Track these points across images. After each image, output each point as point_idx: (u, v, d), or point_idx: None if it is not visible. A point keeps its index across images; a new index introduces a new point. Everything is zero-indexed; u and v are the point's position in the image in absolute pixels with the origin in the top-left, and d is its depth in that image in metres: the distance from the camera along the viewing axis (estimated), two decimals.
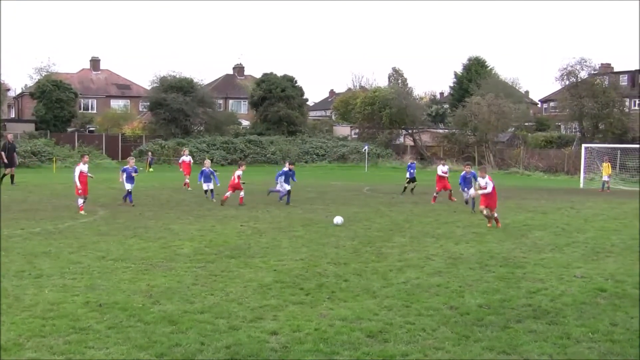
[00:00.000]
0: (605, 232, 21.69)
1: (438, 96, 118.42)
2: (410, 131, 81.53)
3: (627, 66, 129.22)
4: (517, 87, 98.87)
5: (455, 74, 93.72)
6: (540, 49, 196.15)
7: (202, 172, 31.16)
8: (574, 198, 35.68)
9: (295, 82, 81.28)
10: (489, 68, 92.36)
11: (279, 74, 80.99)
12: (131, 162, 29.24)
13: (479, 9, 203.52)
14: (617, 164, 54.09)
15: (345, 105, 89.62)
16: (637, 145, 56.06)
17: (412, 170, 36.06)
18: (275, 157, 71.36)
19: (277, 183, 29.97)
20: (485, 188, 22.78)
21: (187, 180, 37.23)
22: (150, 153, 64.15)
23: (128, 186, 28.26)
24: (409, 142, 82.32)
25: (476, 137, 73.81)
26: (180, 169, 40.20)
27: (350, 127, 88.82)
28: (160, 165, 64.35)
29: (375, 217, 24.58)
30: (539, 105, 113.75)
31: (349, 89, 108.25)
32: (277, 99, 77.41)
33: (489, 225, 22.33)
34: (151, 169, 58.93)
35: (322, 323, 10.20)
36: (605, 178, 43.54)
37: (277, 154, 72.01)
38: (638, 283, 13.42)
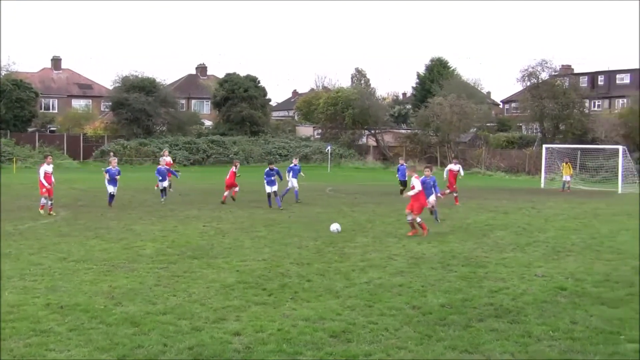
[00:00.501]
0: (566, 231, 21.93)
1: (401, 97, 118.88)
2: (372, 131, 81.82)
3: (587, 68, 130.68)
4: (479, 88, 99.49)
5: (418, 75, 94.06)
6: (502, 50, 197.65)
7: (158, 170, 30.81)
8: (535, 198, 36.02)
9: (258, 82, 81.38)
10: (451, 69, 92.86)
11: (242, 74, 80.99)
12: (113, 162, 28.54)
13: (442, 10, 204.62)
14: (577, 165, 54.74)
15: (308, 106, 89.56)
16: (597, 146, 56.81)
17: (399, 173, 35.53)
18: (237, 157, 71.08)
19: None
20: (413, 188, 20.90)
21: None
22: (112, 153, 63.76)
23: (111, 189, 27.53)
24: (372, 142, 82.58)
25: (438, 137, 74.27)
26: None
27: (313, 127, 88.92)
28: (122, 166, 63.72)
29: (338, 218, 24.60)
30: (501, 106, 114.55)
31: (312, 89, 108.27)
32: (239, 99, 77.44)
33: (410, 233, 20.32)
34: None
35: (285, 323, 10.19)
36: (566, 178, 44.05)
37: (239, 154, 71.89)
38: (598, 282, 13.60)
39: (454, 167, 32.23)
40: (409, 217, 20.78)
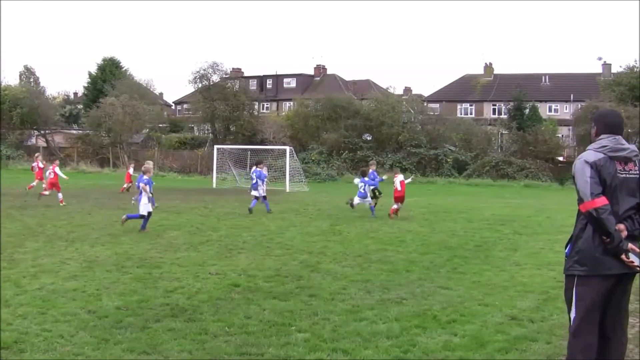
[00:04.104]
0: (237, 229, 22.62)
1: (72, 96, 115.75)
2: (42, 132, 78.94)
3: (256, 71, 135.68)
4: (151, 89, 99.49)
5: (90, 74, 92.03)
6: (174, 51, 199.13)
7: None
8: (207, 197, 36.72)
9: None
10: (124, 69, 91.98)
11: None
12: (149, 167, 22.86)
13: (114, 9, 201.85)
14: (248, 164, 56.51)
15: None
16: (266, 147, 59.13)
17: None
18: None
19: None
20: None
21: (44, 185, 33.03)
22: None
23: (149, 207, 22.19)
24: (42, 143, 79.66)
25: (111, 138, 73.27)
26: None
27: None
28: None
29: (6, 222, 23.43)
30: (173, 107, 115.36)
31: None
32: None
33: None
34: None
35: None
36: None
37: None
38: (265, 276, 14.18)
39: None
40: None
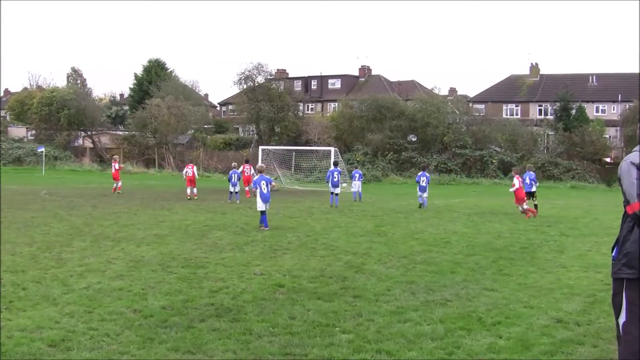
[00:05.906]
0: (282, 230, 22.65)
1: (118, 98, 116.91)
2: (89, 133, 79.88)
3: (300, 72, 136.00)
4: (196, 90, 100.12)
5: (135, 76, 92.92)
6: (219, 53, 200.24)
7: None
8: (252, 198, 36.75)
9: None
10: (169, 70, 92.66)
11: None
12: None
13: (160, 11, 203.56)
14: (293, 165, 56.66)
15: (21, 106, 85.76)
16: (311, 148, 59.21)
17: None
18: None
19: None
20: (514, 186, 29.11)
21: (119, 184, 39.82)
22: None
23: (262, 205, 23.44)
24: (88, 144, 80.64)
25: (156, 139, 73.92)
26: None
27: (27, 128, 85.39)
28: None
29: (53, 222, 23.74)
30: (218, 108, 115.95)
31: (26, 89, 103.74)
32: None
33: (527, 217, 27.44)
34: None
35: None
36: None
37: None
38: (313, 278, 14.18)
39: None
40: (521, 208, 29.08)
